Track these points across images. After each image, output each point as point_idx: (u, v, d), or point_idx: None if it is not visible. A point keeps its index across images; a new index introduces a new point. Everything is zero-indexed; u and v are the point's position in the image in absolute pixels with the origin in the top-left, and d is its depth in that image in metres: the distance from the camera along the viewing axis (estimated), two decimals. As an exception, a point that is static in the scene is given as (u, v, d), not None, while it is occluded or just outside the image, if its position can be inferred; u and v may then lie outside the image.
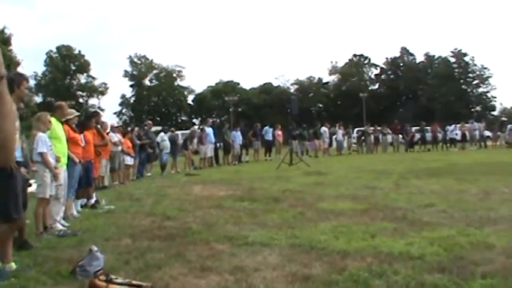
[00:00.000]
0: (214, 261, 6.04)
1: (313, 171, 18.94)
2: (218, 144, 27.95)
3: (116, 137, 16.66)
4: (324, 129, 36.52)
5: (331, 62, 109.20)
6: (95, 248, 5.88)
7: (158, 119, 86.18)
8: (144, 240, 7.47)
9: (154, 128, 25.96)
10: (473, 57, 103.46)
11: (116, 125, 19.04)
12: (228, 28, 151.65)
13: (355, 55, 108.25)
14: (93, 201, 11.84)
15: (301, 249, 6.45)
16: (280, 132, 33.73)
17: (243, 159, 30.11)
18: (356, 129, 44.12)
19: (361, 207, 9.62)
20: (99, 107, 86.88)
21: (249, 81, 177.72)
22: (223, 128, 30.40)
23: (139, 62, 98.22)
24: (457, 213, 8.51)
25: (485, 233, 6.85)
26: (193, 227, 8.30)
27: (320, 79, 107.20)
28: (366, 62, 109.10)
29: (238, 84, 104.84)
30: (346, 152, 37.37)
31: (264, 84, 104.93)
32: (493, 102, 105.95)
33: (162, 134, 23.39)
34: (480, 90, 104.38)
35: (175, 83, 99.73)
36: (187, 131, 31.72)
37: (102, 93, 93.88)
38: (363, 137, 39.28)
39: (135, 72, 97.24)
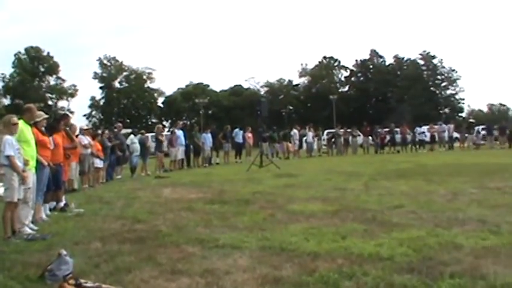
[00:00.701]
0: (184, 264, 6.02)
1: (284, 173, 19.01)
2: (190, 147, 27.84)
3: (85, 139, 16.52)
4: (294, 131, 36.67)
5: (301, 65, 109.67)
6: (64, 252, 5.81)
7: (128, 121, 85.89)
8: (114, 243, 7.40)
9: (124, 131, 25.72)
10: (441, 59, 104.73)
11: (85, 127, 18.80)
12: (198, 30, 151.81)
13: (325, 57, 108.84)
14: (62, 204, 11.70)
15: (271, 251, 6.46)
16: (250, 135, 33.77)
17: (213, 161, 30.06)
18: (326, 131, 44.45)
19: (331, 209, 9.67)
20: (68, 109, 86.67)
21: (219, 84, 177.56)
22: (193, 131, 30.31)
23: (109, 64, 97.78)
24: (426, 214, 8.60)
25: (453, 234, 6.93)
26: (163, 230, 8.26)
27: (290, 81, 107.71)
28: (335, 64, 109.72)
29: (208, 86, 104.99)
30: (316, 154, 37.51)
31: (234, 86, 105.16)
32: (461, 104, 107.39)
33: (132, 136, 23.27)
34: (448, 92, 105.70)
35: (145, 85, 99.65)
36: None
37: (72, 95, 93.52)
38: (333, 139, 39.50)
39: (105, 74, 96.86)
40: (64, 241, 7.64)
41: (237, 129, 33.47)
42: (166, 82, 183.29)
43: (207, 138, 28.81)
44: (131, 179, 20.47)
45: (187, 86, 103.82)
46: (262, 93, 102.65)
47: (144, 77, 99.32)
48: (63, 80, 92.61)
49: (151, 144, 26.50)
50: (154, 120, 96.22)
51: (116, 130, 22.33)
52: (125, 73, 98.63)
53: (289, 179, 16.71)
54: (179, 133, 26.55)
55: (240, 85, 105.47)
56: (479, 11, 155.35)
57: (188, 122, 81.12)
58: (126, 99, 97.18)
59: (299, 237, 7.11)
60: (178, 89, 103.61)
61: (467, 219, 8.04)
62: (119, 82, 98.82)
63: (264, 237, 7.28)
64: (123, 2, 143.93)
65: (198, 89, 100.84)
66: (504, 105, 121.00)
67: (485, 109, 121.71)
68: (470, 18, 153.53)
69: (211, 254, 6.47)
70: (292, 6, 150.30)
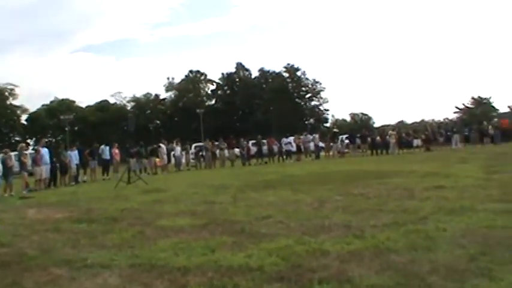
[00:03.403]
0: (52, 286, 5.83)
1: (152, 189, 18.83)
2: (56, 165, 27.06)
3: None
4: (162, 146, 36.53)
5: (168, 79, 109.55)
6: None
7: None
8: (-25, 270, 7.07)
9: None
10: (304, 71, 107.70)
11: None
12: (59, 44, 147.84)
13: (191, 71, 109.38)
14: None
15: (141, 268, 6.37)
16: (117, 151, 33.31)
17: (80, 179, 29.36)
18: (194, 145, 44.45)
19: (200, 223, 9.65)
20: None
21: (85, 99, 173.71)
22: (59, 148, 29.55)
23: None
24: (294, 223, 8.74)
25: (320, 241, 7.09)
26: (29, 253, 7.95)
27: (157, 96, 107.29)
28: (202, 78, 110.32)
29: (74, 102, 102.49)
30: (184, 168, 37.50)
31: (101, 101, 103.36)
32: (325, 115, 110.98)
33: (-7, 155, 22.38)
34: (313, 103, 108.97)
35: (7, 102, 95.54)
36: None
37: None
38: (201, 153, 39.63)
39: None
40: None
41: (103, 146, 32.90)
42: (30, 98, 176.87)
43: (73, 156, 28.23)
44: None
45: (51, 102, 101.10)
46: (129, 108, 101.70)
47: (6, 93, 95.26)
48: None
49: (15, 164, 25.52)
50: (17, 138, 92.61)
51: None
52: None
53: (157, 195, 16.57)
54: (44, 151, 25.78)
55: (106, 100, 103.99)
56: (338, 24, 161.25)
57: (53, 140, 78.91)
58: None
59: (169, 253, 7.05)
60: (43, 105, 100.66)
61: (333, 225, 8.26)
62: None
63: (134, 254, 7.17)
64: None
65: (63, 105, 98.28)
66: (366, 115, 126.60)
67: (348, 118, 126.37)
68: (331, 31, 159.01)
69: (80, 274, 6.29)
70: (157, 21, 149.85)
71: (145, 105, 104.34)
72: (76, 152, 28.90)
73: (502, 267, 5.05)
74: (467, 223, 7.48)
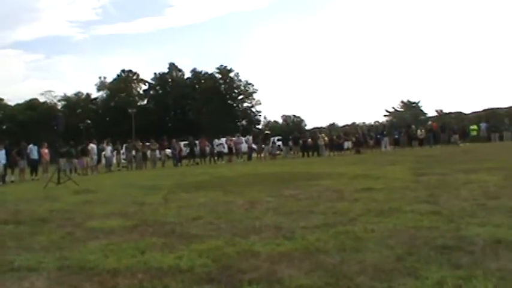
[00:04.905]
0: (-25, 291, 5.69)
1: (82, 190, 18.52)
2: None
3: None
4: (92, 146, 36.00)
5: (100, 78, 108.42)
6: None
7: None
8: None
9: None
10: (237, 73, 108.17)
11: None
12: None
13: (123, 71, 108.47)
14: None
15: (70, 270, 6.25)
16: (46, 150, 32.63)
17: (8, 179, 28.68)
18: (125, 145, 44.01)
19: (130, 224, 9.55)
20: None
21: (13, 97, 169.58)
22: (-15, 148, 28.84)
23: None
24: (224, 224, 8.75)
25: (251, 242, 7.10)
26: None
27: (88, 95, 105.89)
28: (134, 77, 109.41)
29: (2, 100, 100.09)
30: (115, 169, 37.09)
31: (30, 100, 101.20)
32: (257, 116, 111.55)
33: None
34: (245, 105, 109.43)
35: None
36: None
37: None
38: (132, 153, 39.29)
39: None
40: None
41: (31, 145, 32.21)
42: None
43: (1, 155, 27.54)
44: None
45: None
46: (59, 107, 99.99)
47: None
48: None
49: None
50: None
51: None
52: None
53: (87, 195, 16.31)
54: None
55: (36, 99, 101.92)
56: (272, 26, 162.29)
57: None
58: None
59: (98, 255, 6.95)
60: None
61: (264, 226, 8.29)
62: None
63: (62, 256, 7.03)
64: None
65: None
66: (298, 117, 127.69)
67: (280, 120, 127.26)
68: (265, 33, 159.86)
69: (6, 278, 6.11)
70: (89, 17, 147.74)
71: (76, 104, 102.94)
72: (3, 151, 28.24)
73: (428, 267, 5.17)
74: (395, 224, 7.63)
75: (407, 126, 53.92)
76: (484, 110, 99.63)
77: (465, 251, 5.72)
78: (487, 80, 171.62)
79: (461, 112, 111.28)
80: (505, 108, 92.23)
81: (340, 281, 4.95)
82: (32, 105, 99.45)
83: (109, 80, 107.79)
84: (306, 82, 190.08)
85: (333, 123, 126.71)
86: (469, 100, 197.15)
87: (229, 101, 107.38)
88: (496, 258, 5.39)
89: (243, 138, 44.80)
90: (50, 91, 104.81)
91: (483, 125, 52.28)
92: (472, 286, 4.50)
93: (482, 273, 4.85)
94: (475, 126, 52.64)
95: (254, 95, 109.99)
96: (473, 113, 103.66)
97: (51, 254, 7.22)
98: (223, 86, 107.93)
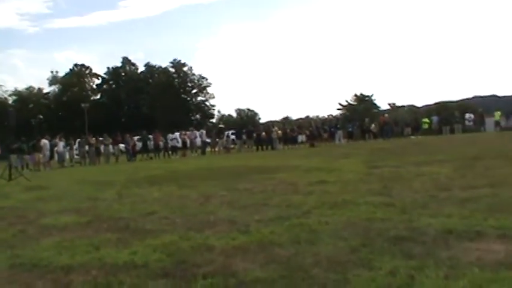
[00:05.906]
0: None
1: (34, 186, 18.27)
2: None
3: None
4: (44, 141, 35.48)
5: (52, 72, 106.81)
6: None
7: None
8: None
9: None
10: (191, 67, 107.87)
11: None
12: None
13: (76, 65, 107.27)
14: None
15: (22, 268, 6.13)
16: (-4, 146, 32.12)
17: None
18: (78, 141, 43.48)
19: (84, 220, 9.43)
20: None
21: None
22: None
23: None
24: (179, 219, 8.70)
25: (205, 236, 7.08)
26: None
27: (40, 89, 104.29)
28: (87, 71, 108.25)
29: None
30: (68, 165, 36.65)
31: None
32: (211, 110, 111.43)
33: None
34: (199, 99, 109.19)
35: None
36: None
37: None
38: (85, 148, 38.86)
39: None
40: None
41: (-20, 142, 31.67)
42: None
43: None
44: None
45: None
46: (10, 102, 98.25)
47: None
48: None
49: None
50: None
51: None
52: None
53: (40, 192, 16.07)
54: None
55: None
56: (224, 20, 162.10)
57: None
58: None
59: (51, 252, 6.83)
60: None
61: (219, 220, 8.29)
62: None
63: (14, 254, 6.89)
64: None
65: None
66: (252, 110, 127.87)
67: (234, 114, 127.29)
68: (218, 26, 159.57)
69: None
70: (40, 10, 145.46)
71: (28, 99, 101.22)
72: (-49, 147, 27.73)
73: (381, 257, 5.22)
74: (349, 216, 7.68)
75: (361, 119, 54.50)
76: (435, 103, 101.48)
77: (417, 242, 5.79)
78: (439, 74, 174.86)
79: (413, 105, 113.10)
80: (456, 101, 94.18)
81: (295, 273, 4.96)
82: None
83: (61, 74, 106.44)
84: (260, 76, 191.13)
85: (287, 117, 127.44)
86: (421, 93, 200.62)
87: (183, 95, 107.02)
88: (447, 247, 5.47)
89: (197, 132, 44.72)
90: (0, 85, 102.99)
91: (435, 118, 53.36)
92: (424, 275, 4.54)
93: (434, 262, 4.91)
94: (426, 119, 53.61)
95: (208, 89, 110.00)
96: (425, 106, 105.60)
97: (2, 252, 7.08)
98: (176, 80, 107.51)
